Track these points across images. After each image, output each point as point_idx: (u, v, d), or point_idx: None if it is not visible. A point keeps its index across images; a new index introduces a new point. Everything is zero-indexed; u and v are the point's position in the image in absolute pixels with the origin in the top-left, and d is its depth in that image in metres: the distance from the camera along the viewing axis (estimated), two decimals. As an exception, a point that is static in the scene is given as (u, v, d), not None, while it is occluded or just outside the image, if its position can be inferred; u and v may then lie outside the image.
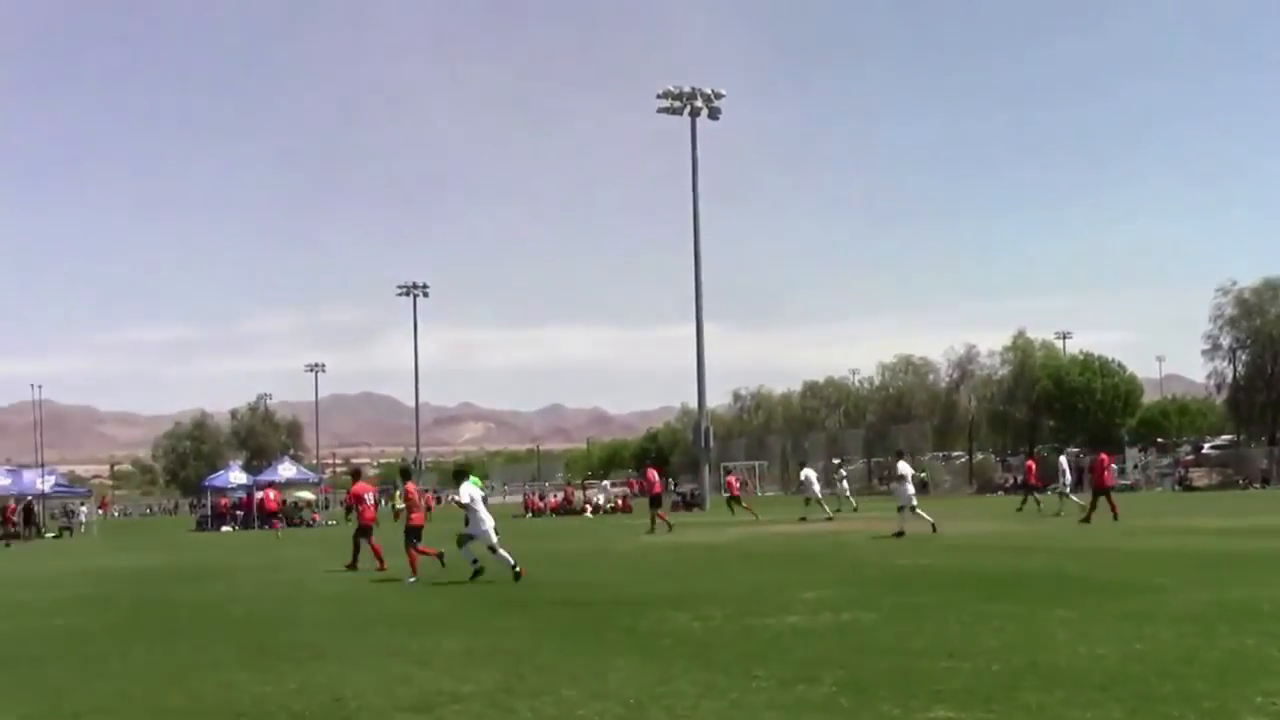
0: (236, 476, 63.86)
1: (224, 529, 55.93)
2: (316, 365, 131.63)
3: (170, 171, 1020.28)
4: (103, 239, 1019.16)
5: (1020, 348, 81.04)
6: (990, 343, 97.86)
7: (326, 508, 76.58)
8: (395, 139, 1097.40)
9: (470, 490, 19.05)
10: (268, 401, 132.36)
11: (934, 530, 26.09)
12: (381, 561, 22.04)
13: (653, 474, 38.02)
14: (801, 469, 43.05)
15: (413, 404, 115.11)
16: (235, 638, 13.27)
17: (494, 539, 18.66)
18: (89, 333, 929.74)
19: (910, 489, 27.00)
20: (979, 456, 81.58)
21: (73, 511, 66.50)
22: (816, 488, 39.70)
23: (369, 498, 23.91)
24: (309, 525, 55.43)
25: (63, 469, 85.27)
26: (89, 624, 15.44)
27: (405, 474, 23.97)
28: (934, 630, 11.45)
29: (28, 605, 18.41)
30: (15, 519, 55.96)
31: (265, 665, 10.87)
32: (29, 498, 58.88)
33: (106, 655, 12.16)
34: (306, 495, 57.94)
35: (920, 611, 13.00)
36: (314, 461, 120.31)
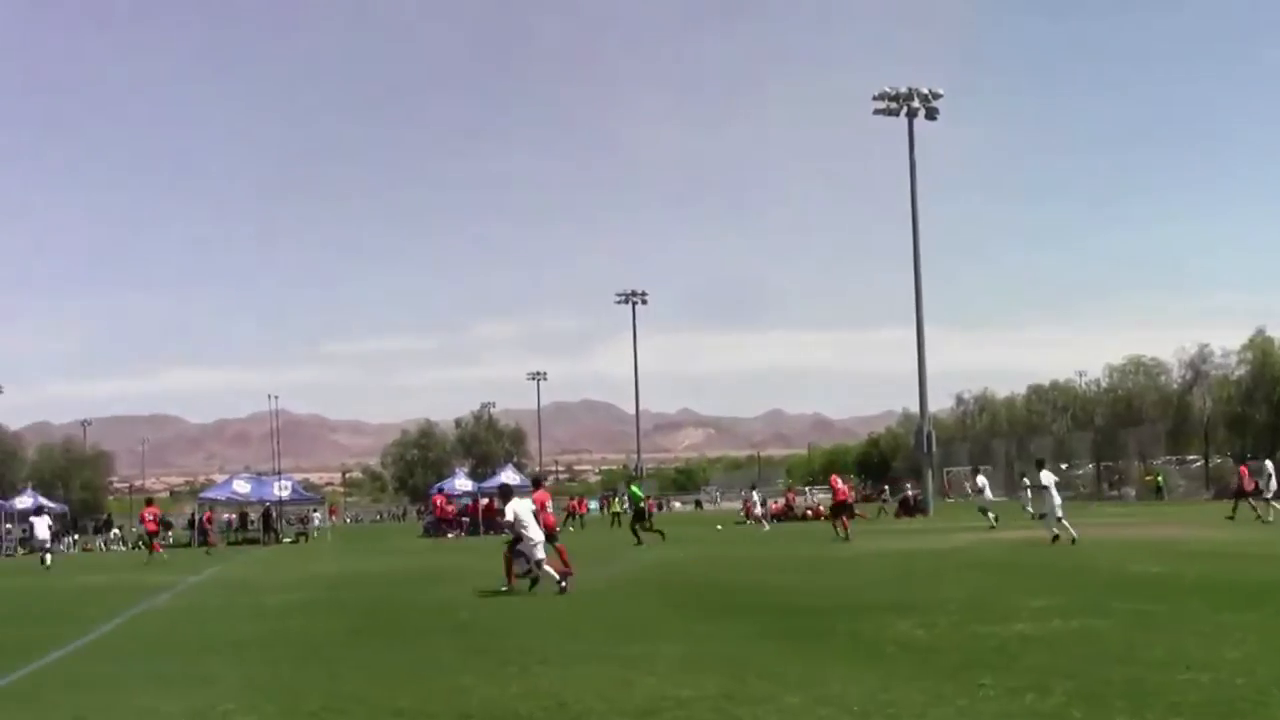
0: (462, 484, 65.41)
1: (450, 535, 57.29)
2: (538, 374, 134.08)
3: (397, 186, 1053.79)
4: (333, 254, 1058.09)
5: (1259, 346, 77.42)
6: (1225, 341, 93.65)
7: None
8: (612, 147, 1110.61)
9: (514, 507, 19.32)
10: (491, 410, 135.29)
11: (1073, 542, 25.65)
12: (567, 566, 21.65)
13: (835, 480, 38.23)
14: (976, 475, 42.38)
15: (633, 411, 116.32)
16: (461, 641, 13.53)
17: (540, 555, 18.97)
18: (321, 344, 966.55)
19: (1057, 498, 27.02)
20: (1215, 460, 78.25)
21: (307, 518, 69.24)
22: (988, 494, 39.54)
23: (549, 505, 24.06)
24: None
25: (298, 476, 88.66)
26: (323, 626, 15.96)
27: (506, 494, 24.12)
28: (1169, 640, 11.00)
29: (267, 608, 19.11)
30: (252, 523, 58.52)
31: (491, 669, 11.05)
32: (268, 504, 61.54)
33: (340, 657, 12.53)
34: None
35: (1153, 620, 12.53)
36: (536, 469, 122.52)
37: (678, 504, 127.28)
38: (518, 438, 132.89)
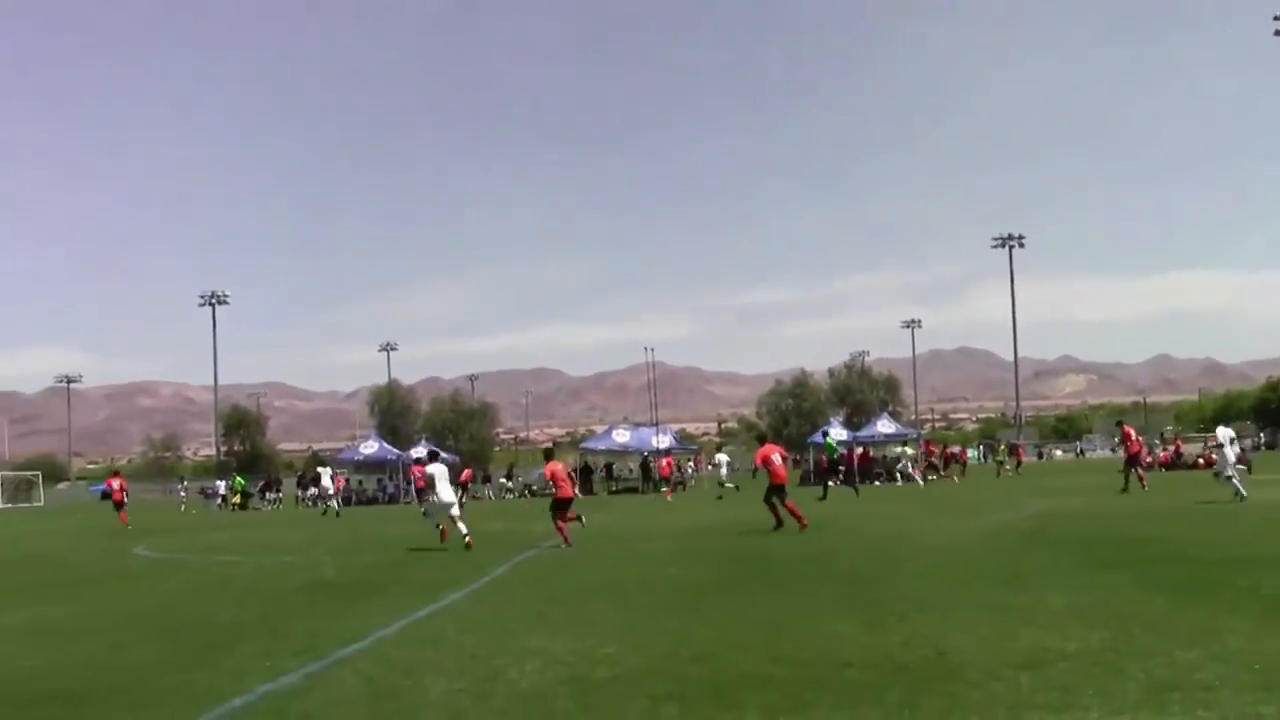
0: (837, 433, 65.39)
1: (829, 484, 57.19)
2: (913, 321, 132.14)
3: (777, 139, 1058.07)
4: (709, 210, 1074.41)
5: None
6: None
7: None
8: (981, 89, 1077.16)
9: (432, 470, 23.65)
10: (865, 358, 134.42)
11: (1241, 499, 25.45)
12: (801, 520, 22.91)
13: (1129, 430, 35.82)
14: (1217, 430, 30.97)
15: (1010, 358, 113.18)
16: (840, 589, 13.47)
17: (456, 511, 23.18)
18: (696, 298, 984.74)
19: (1230, 455, 27.21)
20: None
21: (681, 467, 70.67)
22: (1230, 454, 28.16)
23: (776, 458, 23.91)
24: (906, 479, 55.60)
25: (675, 427, 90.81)
26: (701, 573, 16.15)
27: (548, 455, 25.41)
28: None
29: (645, 555, 19.57)
30: (631, 472, 60.03)
31: (870, 618, 10.92)
32: (645, 454, 63.24)
33: (719, 604, 12.66)
34: (908, 450, 58.30)
35: None
36: (912, 417, 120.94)
37: (1059, 452, 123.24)
38: (891, 386, 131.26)
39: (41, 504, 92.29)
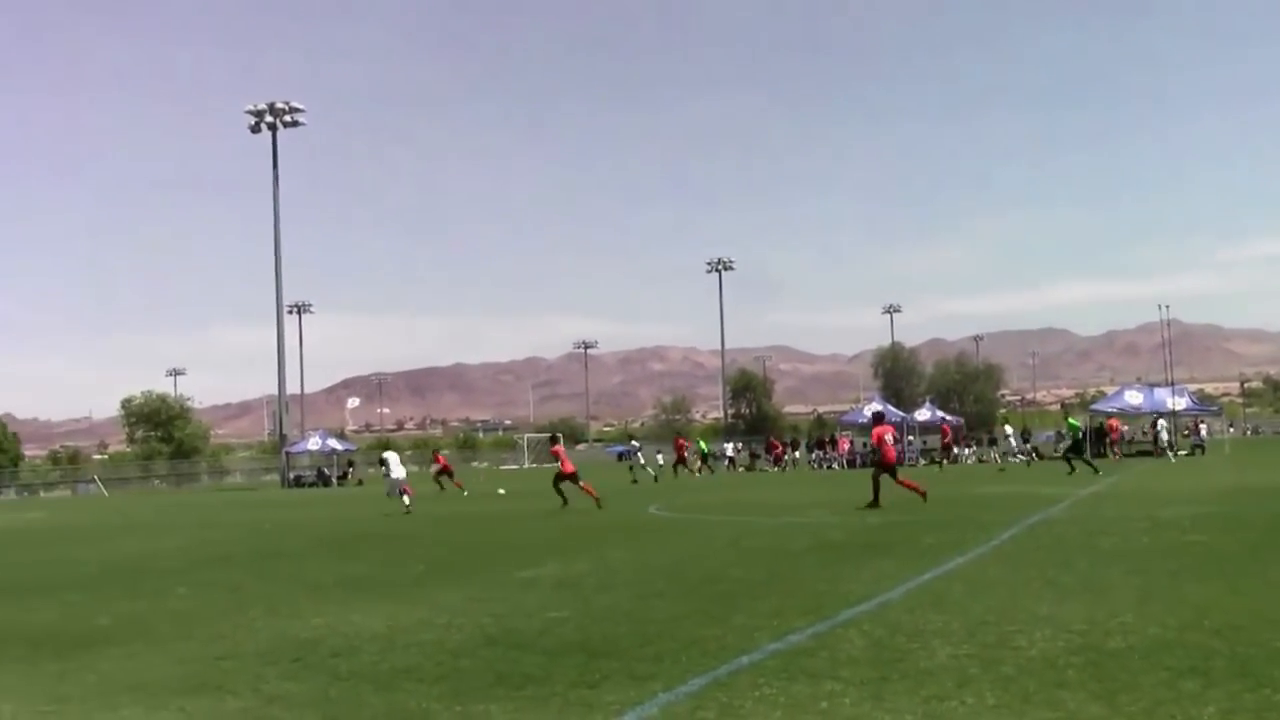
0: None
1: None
2: None
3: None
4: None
5: None
6: None
7: None
8: None
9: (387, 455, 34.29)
10: None
11: None
12: (923, 493, 23.84)
13: None
14: None
15: None
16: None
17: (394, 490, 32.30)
18: (1214, 250, 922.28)
19: None
20: None
21: (1195, 429, 66.15)
22: None
23: (888, 438, 24.74)
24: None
25: (1191, 387, 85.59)
26: (1225, 540, 15.26)
27: (878, 418, 26.58)
28: None
29: (1162, 521, 18.63)
30: (1145, 434, 57.34)
31: None
32: (1157, 415, 60.09)
33: (1249, 574, 11.90)
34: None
35: None
36: None
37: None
38: None
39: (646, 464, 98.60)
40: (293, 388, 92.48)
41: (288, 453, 77.53)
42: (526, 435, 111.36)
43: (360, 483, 65.16)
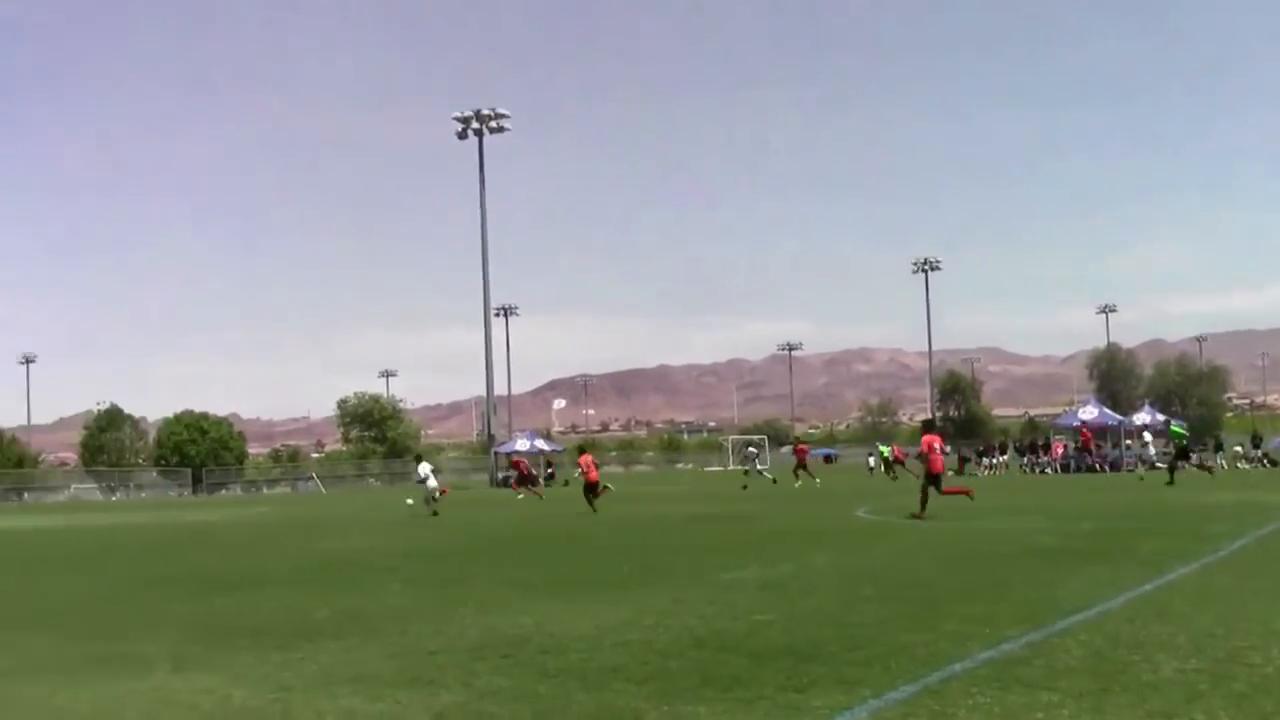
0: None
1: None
2: None
3: None
4: None
5: None
6: None
7: None
8: None
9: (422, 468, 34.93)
10: None
11: None
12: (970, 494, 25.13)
13: None
14: None
15: None
16: None
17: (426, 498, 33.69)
18: None
19: None
20: None
21: None
22: None
23: (937, 447, 24.59)
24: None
25: None
26: None
27: (927, 426, 27.46)
28: None
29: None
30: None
31: None
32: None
33: None
34: None
35: None
36: None
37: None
38: None
39: (766, 466, 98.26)
40: (500, 389, 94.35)
41: (496, 453, 79.05)
42: (730, 437, 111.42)
43: (566, 483, 66.02)
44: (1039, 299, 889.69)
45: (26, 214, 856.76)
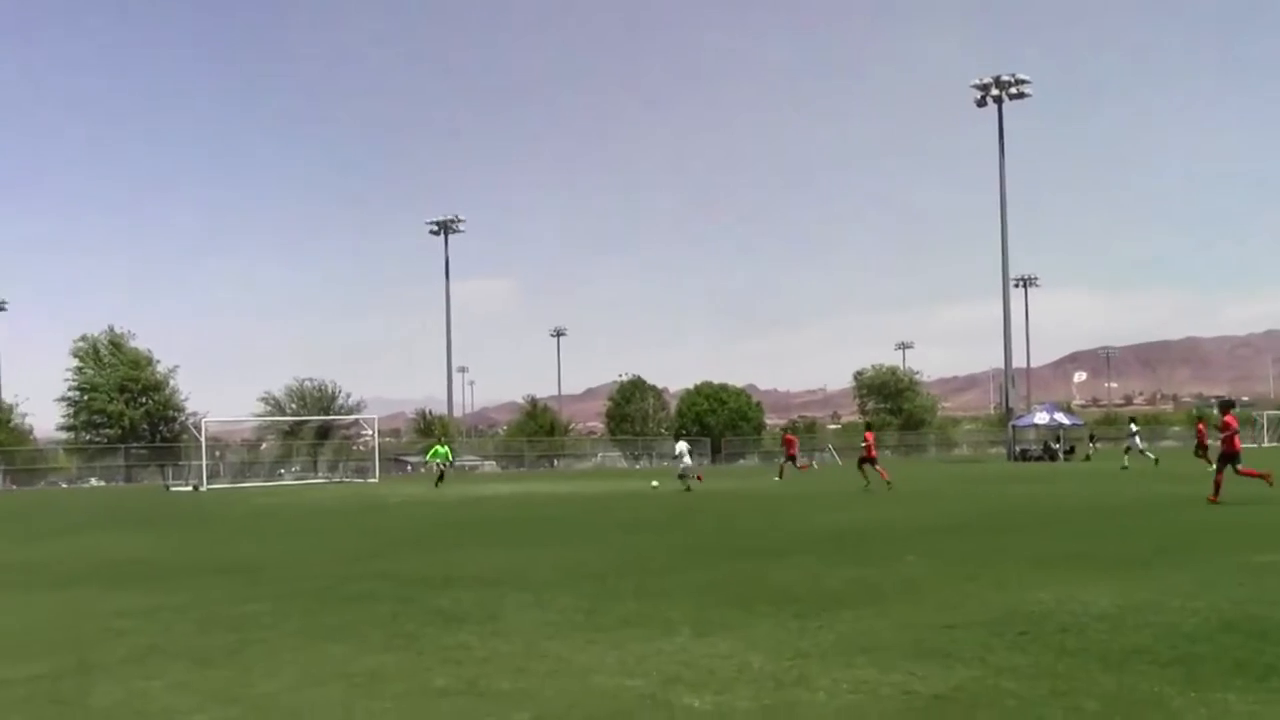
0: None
1: None
2: None
3: None
4: None
5: None
6: None
7: None
8: None
9: (680, 446, 37.89)
10: None
11: None
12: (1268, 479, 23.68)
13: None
14: None
15: None
16: None
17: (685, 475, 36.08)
18: None
19: None
20: None
21: None
22: None
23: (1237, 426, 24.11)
24: None
25: None
26: None
27: (1226, 406, 25.96)
28: None
29: None
30: None
31: None
32: None
33: None
34: None
35: None
36: None
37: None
38: None
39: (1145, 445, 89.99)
40: (1018, 361, 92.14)
41: (1014, 426, 77.28)
42: (1265, 413, 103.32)
43: (1087, 458, 63.45)
44: None
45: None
